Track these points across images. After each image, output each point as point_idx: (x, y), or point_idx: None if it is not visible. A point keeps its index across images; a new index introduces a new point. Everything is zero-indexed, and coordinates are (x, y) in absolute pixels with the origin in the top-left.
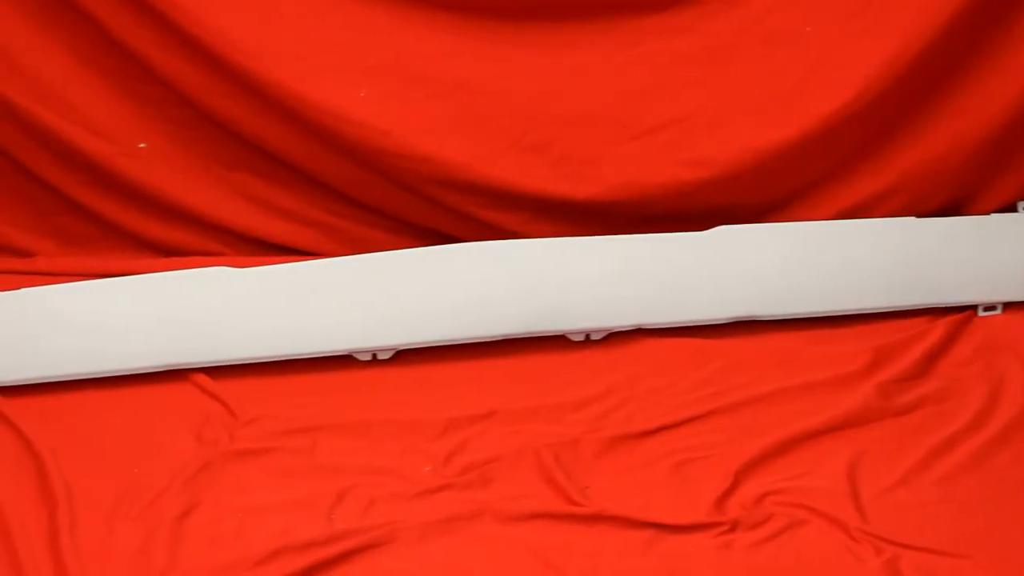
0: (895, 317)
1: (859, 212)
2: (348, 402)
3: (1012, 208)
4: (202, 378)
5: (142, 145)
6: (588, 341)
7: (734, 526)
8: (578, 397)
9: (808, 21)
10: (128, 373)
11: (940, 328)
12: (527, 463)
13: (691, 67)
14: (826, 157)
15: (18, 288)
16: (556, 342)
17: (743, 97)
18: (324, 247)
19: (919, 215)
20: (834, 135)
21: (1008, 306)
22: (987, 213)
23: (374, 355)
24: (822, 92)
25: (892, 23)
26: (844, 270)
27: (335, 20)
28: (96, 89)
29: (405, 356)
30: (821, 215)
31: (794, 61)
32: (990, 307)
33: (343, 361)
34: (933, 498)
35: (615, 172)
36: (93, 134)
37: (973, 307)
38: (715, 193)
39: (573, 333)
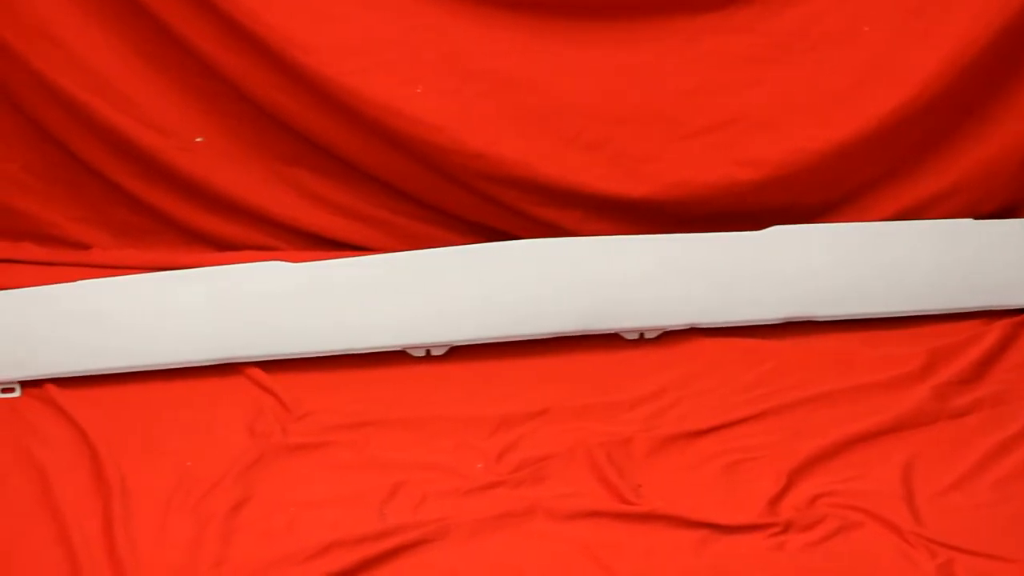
0: (950, 319)
1: (914, 213)
2: (401, 398)
3: None
4: (256, 372)
5: (198, 139)
6: (641, 340)
7: (787, 527)
8: (631, 396)
9: (866, 20)
10: (182, 366)
11: (996, 331)
12: (580, 461)
13: (747, 66)
14: (882, 158)
15: (74, 280)
16: (609, 340)
17: (799, 97)
18: (378, 243)
19: (976, 217)
20: (890, 136)
21: None
22: None
23: (428, 351)
24: (879, 92)
25: (951, 23)
26: (899, 271)
27: (391, 16)
28: (153, 83)
29: (459, 353)
30: (876, 216)
31: (851, 61)
32: None
33: (396, 357)
34: (988, 501)
35: (670, 171)
36: (150, 128)
37: None
38: (769, 193)
39: (626, 332)
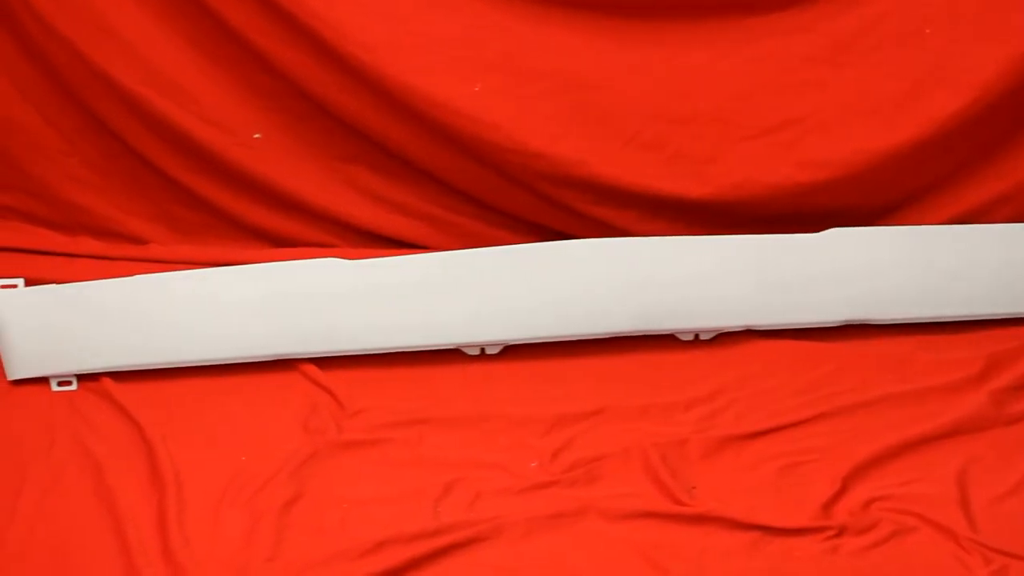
0: (1009, 324)
1: (975, 217)
2: (456, 396)
3: None
4: (311, 368)
5: (257, 136)
6: (697, 341)
7: (841, 531)
8: (686, 397)
9: (928, 22)
10: (238, 361)
11: None
12: (634, 461)
13: (809, 67)
14: (943, 160)
15: (131, 275)
16: (665, 341)
17: (860, 98)
18: (435, 241)
19: None
20: (952, 138)
21: None
22: None
23: (482, 350)
24: (941, 95)
25: (1011, 26)
26: (958, 275)
27: (452, 15)
28: (213, 80)
29: (513, 351)
30: (936, 219)
31: (913, 63)
32: None
33: (452, 355)
34: None
35: (729, 172)
36: (209, 124)
37: None
38: (829, 195)
39: (682, 332)
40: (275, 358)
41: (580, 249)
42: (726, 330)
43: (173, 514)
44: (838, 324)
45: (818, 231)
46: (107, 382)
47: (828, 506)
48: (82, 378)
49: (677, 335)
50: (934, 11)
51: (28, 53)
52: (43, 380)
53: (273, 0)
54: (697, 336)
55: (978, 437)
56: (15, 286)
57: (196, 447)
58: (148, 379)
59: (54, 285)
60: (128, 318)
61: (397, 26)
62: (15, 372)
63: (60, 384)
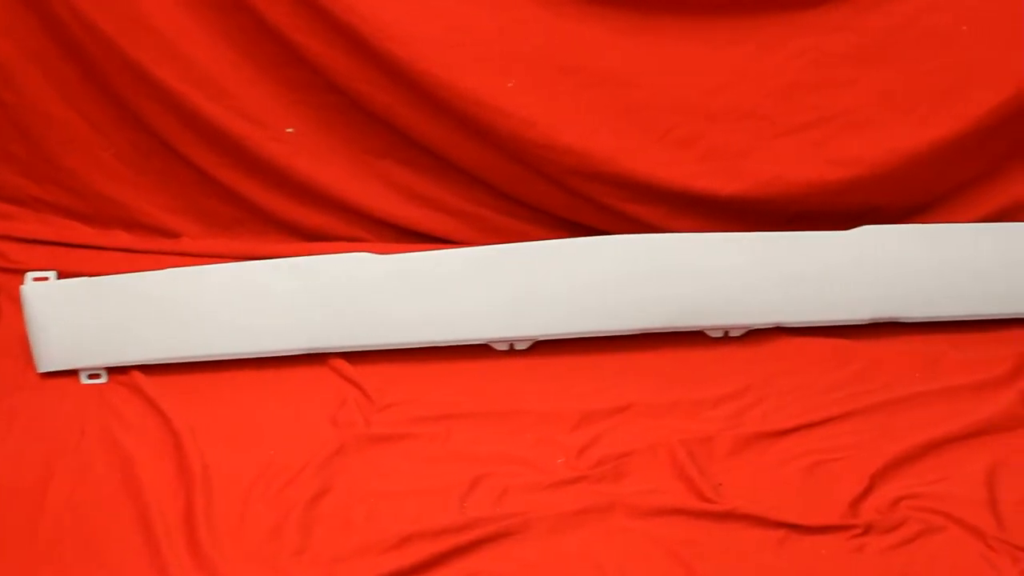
0: None
1: (1008, 215)
2: (484, 391)
3: None
4: (340, 363)
5: (289, 130)
6: (727, 338)
7: (868, 529)
8: (715, 394)
9: (964, 20)
10: (267, 355)
11: None
12: (661, 458)
13: (842, 65)
14: (976, 159)
15: (162, 268)
16: (694, 338)
17: (894, 96)
18: (466, 236)
19: None
20: (986, 137)
21: None
22: None
23: (511, 345)
24: (975, 93)
25: None
26: (990, 274)
27: (485, 9)
28: (246, 74)
29: (542, 347)
30: (969, 217)
31: (948, 61)
32: None
33: (480, 350)
34: None
35: (761, 168)
36: (241, 118)
37: None
38: (862, 193)
39: (712, 329)
40: (304, 352)
41: (610, 245)
42: (756, 327)
43: (201, 507)
44: (868, 322)
45: (850, 229)
46: (136, 375)
47: (855, 504)
48: (112, 371)
49: (706, 332)
50: (970, 10)
51: (63, 47)
52: (74, 373)
53: None
54: (727, 333)
55: (1007, 437)
56: (47, 279)
57: (224, 441)
58: (177, 372)
59: (86, 278)
60: (158, 311)
61: (431, 21)
62: (46, 364)
63: (90, 377)
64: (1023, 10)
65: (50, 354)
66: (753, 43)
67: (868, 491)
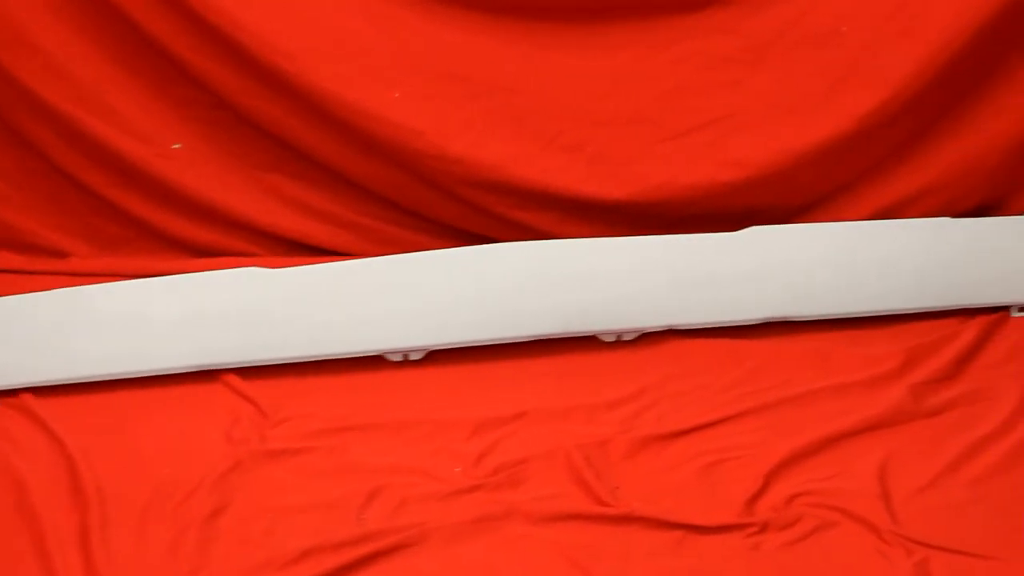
0: (928, 318)
1: (893, 213)
2: (379, 402)
3: None
4: (233, 378)
5: (176, 146)
6: (619, 342)
7: (764, 527)
8: (609, 398)
9: (844, 21)
10: (159, 373)
11: (973, 329)
12: (558, 464)
13: (727, 67)
14: (861, 158)
15: (52, 289)
16: (587, 343)
17: (779, 97)
18: (357, 248)
19: (953, 216)
20: (869, 136)
21: None
22: (1022, 214)
23: (405, 356)
24: (858, 92)
25: (929, 23)
26: (877, 270)
27: (370, 21)
28: (131, 90)
29: (436, 357)
30: (855, 215)
31: (830, 62)
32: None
33: (375, 362)
34: (964, 500)
35: (650, 173)
36: (127, 135)
37: (1006, 308)
38: (750, 194)
39: (604, 334)
40: (197, 369)
41: (502, 253)
42: (648, 330)
43: (96, 528)
44: (760, 322)
45: (738, 230)
46: (27, 397)
47: (751, 503)
48: (2, 394)
49: (599, 336)
50: (850, 10)
51: None
52: None
53: (191, 9)
54: (619, 337)
55: (898, 431)
56: None
57: (118, 461)
58: (69, 394)
59: None
60: (48, 332)
61: (317, 35)
62: None
63: None
64: (901, 11)
65: None
66: (639, 47)
67: (764, 489)
